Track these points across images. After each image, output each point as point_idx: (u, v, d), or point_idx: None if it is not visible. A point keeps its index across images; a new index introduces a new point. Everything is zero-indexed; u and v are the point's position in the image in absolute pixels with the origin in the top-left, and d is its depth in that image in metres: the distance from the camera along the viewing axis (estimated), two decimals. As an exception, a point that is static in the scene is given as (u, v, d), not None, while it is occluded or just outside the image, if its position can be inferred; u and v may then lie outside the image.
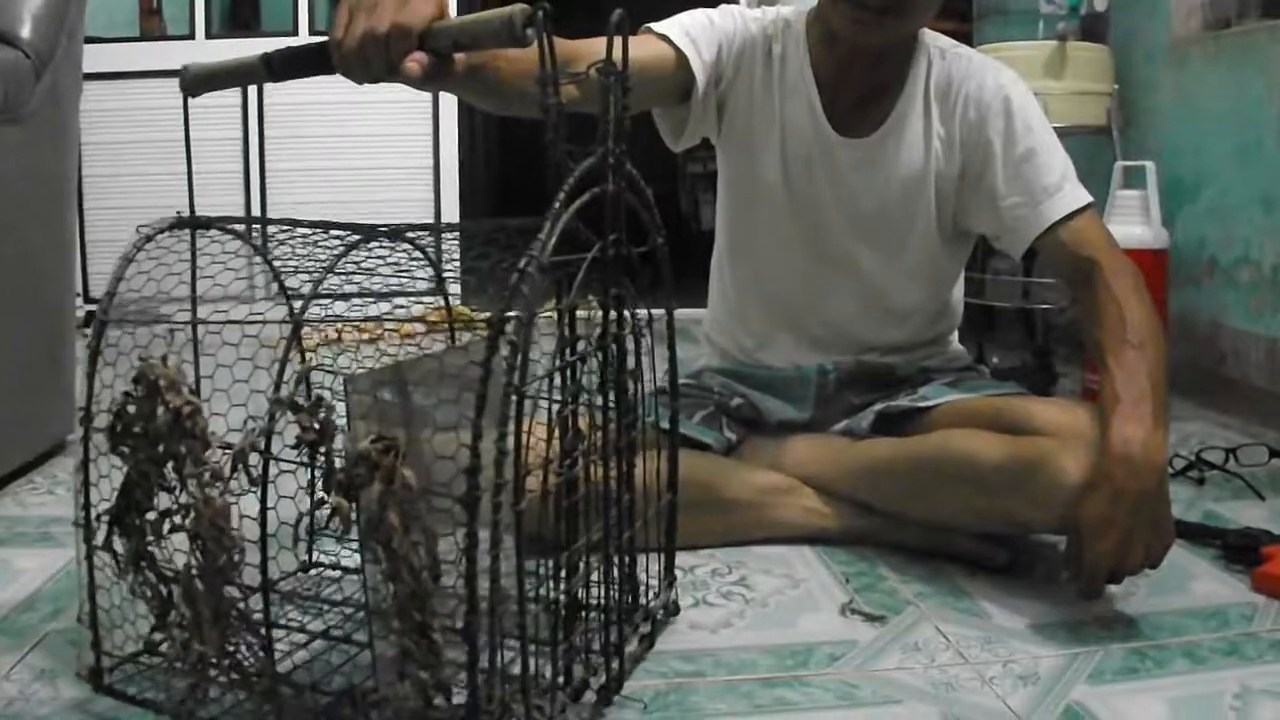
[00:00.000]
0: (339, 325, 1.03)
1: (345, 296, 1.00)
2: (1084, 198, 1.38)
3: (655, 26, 1.40)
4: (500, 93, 1.16)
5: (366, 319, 0.94)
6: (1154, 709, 0.91)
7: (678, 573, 1.24)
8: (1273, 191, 2.19)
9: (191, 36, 3.39)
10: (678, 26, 1.40)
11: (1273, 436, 1.93)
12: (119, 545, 0.93)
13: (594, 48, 1.28)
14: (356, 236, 0.94)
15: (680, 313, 1.14)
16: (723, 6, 1.46)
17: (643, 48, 1.33)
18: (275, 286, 1.05)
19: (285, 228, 1.03)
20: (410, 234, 0.97)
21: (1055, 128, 2.38)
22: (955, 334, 1.64)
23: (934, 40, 1.46)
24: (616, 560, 0.98)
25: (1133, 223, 2.25)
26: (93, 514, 0.94)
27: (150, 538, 0.91)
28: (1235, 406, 2.20)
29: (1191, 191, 2.43)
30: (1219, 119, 2.35)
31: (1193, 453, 1.76)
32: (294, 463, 0.84)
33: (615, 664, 0.97)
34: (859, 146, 1.43)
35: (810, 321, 1.53)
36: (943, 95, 1.42)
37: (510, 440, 0.74)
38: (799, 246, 1.49)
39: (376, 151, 3.43)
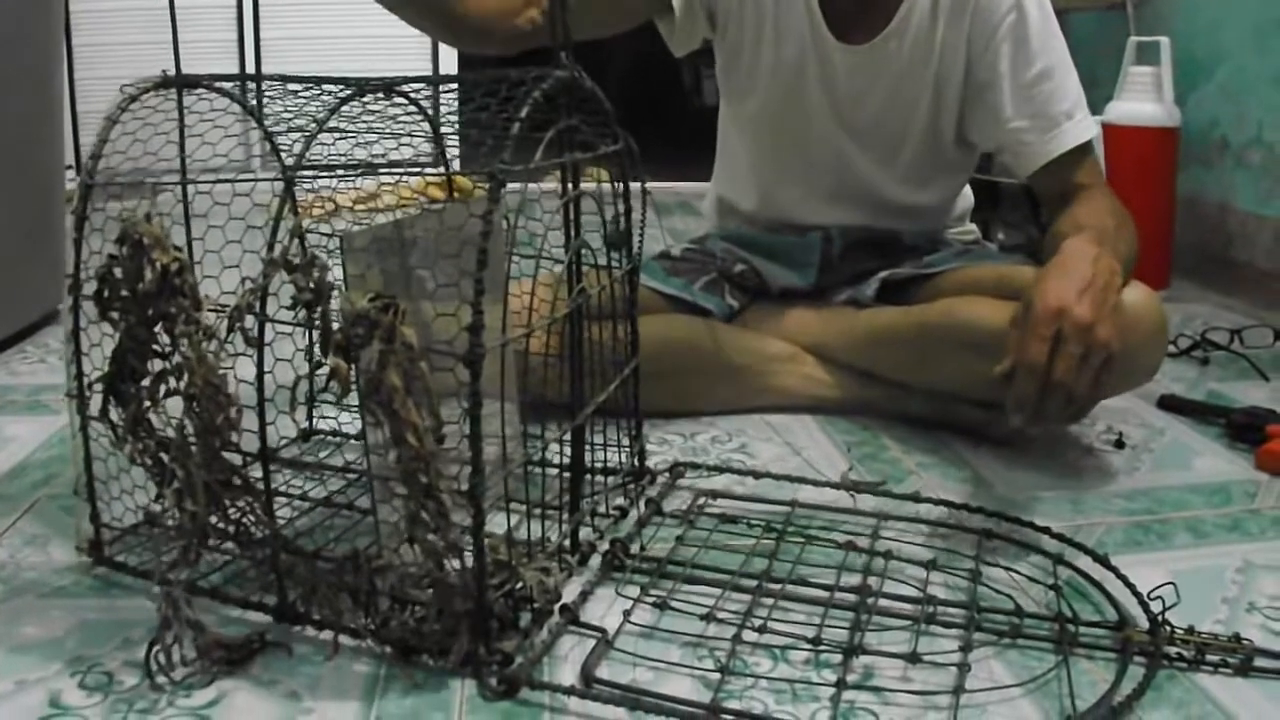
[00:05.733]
0: (333, 188, 1.00)
1: (341, 168, 0.96)
2: (1091, 129, 1.33)
3: None
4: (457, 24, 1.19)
5: (363, 170, 0.90)
6: (1156, 581, 0.91)
7: (678, 438, 1.23)
8: (1290, 71, 2.14)
9: (180, -104, 3.27)
10: None
11: (1278, 319, 1.91)
12: (115, 414, 0.91)
13: None
14: (349, 91, 0.91)
15: (682, 186, 1.11)
16: None
17: None
18: (267, 145, 1.02)
19: (277, 88, 0.99)
20: (405, 87, 0.93)
21: (1069, 2, 2.33)
22: (966, 219, 1.61)
23: None
24: (623, 423, 0.97)
25: (1144, 100, 2.20)
26: (85, 384, 0.92)
27: (146, 404, 0.90)
28: (1241, 289, 2.18)
29: (1206, 70, 2.37)
30: (1238, -6, 2.29)
31: (1197, 333, 1.74)
32: (290, 324, 0.81)
33: (621, 527, 0.97)
34: (857, 52, 1.36)
35: (806, 211, 1.51)
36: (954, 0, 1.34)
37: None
38: (789, 148, 1.45)
39: (373, 19, 3.33)
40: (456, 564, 0.79)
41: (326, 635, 0.84)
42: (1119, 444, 1.31)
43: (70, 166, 2.91)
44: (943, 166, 1.47)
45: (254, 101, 0.99)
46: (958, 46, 1.35)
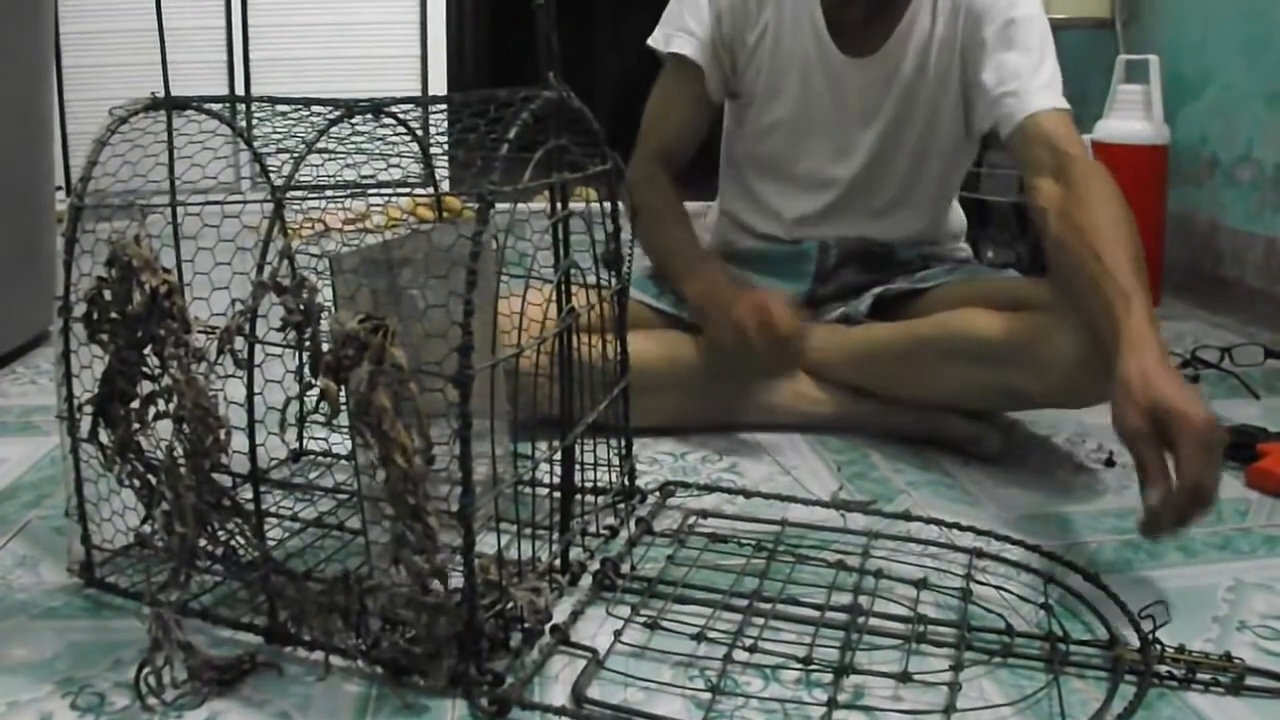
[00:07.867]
0: (323, 208, 1.00)
1: (330, 189, 0.96)
2: (1067, 106, 1.35)
3: (663, 41, 1.47)
4: None
5: (352, 191, 0.90)
6: (1147, 599, 0.91)
7: (668, 458, 1.22)
8: (1278, 89, 2.15)
9: (170, -80, 3.29)
10: (682, 33, 1.45)
11: (1268, 337, 1.92)
12: (104, 436, 0.91)
13: None
14: (337, 112, 0.91)
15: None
16: None
17: (677, 95, 1.47)
18: (256, 167, 1.02)
19: (266, 109, 1.00)
20: (393, 108, 0.94)
21: (1056, 19, 2.34)
22: (961, 239, 1.62)
23: None
24: (613, 442, 0.97)
25: (1134, 118, 2.21)
26: (76, 405, 0.92)
27: (136, 426, 0.89)
28: (1231, 306, 2.19)
29: (1195, 87, 2.38)
30: (1226, 12, 2.29)
31: (1188, 351, 1.75)
32: (280, 345, 0.81)
33: (612, 547, 0.96)
34: (865, 65, 1.43)
35: (809, 225, 1.53)
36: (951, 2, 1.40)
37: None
38: (798, 165, 1.49)
39: (362, 40, 3.35)
40: (441, 586, 0.79)
41: (317, 656, 0.84)
42: (1109, 462, 1.31)
43: (60, 188, 2.91)
44: (932, 173, 1.51)
45: (243, 123, 0.99)
46: (953, 43, 1.40)
